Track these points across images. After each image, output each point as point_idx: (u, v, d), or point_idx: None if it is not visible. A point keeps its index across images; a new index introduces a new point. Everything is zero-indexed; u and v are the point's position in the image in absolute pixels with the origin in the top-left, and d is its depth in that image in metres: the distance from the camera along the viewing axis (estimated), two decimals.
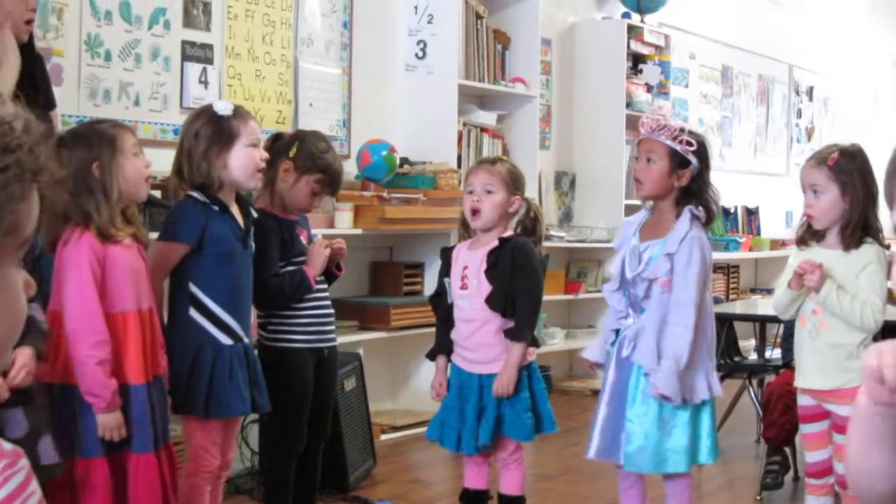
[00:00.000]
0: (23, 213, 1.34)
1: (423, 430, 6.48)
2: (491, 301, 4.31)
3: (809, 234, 4.37)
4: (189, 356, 4.04)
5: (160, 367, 3.89)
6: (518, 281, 4.33)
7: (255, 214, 4.31)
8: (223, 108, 4.15)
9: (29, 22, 4.35)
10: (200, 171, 4.09)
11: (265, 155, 4.23)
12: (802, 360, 4.38)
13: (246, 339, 4.17)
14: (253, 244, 4.26)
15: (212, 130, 4.11)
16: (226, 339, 4.09)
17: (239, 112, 4.18)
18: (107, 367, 3.66)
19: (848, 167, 4.22)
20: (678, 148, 4.16)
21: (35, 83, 4.36)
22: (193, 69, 5.90)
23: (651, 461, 4.15)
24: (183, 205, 4.12)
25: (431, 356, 4.56)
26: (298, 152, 4.52)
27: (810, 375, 4.33)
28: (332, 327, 4.65)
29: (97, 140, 3.76)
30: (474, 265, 4.36)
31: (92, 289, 3.65)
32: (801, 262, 4.18)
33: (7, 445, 1.30)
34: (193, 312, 4.08)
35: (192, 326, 4.07)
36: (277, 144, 4.58)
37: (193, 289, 4.08)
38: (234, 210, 4.18)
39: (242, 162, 4.11)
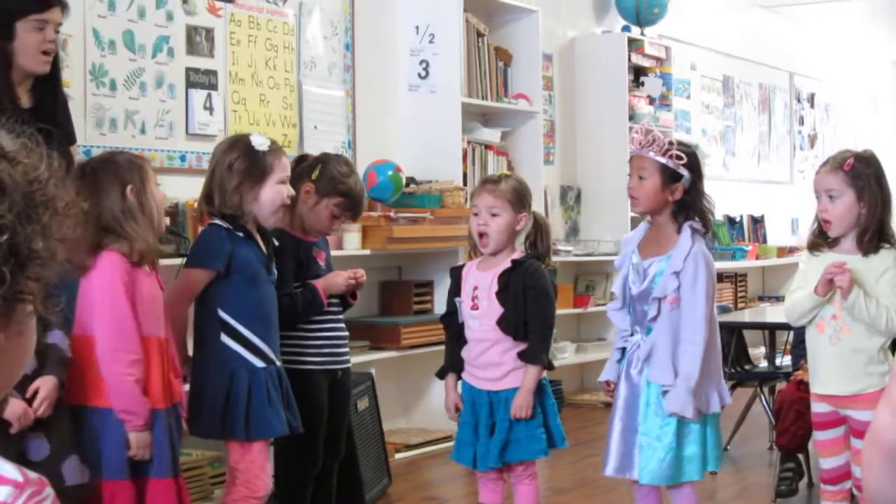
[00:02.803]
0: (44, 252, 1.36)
1: (436, 447, 6.54)
2: (502, 323, 4.32)
3: (822, 240, 4.36)
4: (224, 381, 4.08)
5: (177, 395, 3.92)
6: (530, 304, 4.34)
7: (276, 243, 4.36)
8: (260, 143, 4.19)
9: (46, 53, 4.37)
10: (231, 204, 4.13)
11: (292, 192, 4.27)
12: (820, 367, 4.35)
13: (277, 363, 4.21)
14: (276, 271, 4.30)
15: (247, 164, 4.15)
16: (259, 363, 4.13)
17: (273, 147, 4.23)
18: (142, 386, 3.69)
19: (864, 172, 4.22)
20: (668, 163, 4.16)
21: (56, 119, 4.39)
22: (198, 95, 5.94)
23: (668, 473, 4.15)
24: (209, 232, 4.17)
25: (441, 374, 4.58)
26: (320, 175, 4.56)
27: (830, 381, 4.31)
28: (346, 349, 4.69)
29: (126, 166, 3.81)
30: (485, 286, 4.37)
31: (127, 308, 3.69)
32: (829, 266, 4.17)
33: (32, 474, 1.32)
34: (225, 338, 4.12)
35: (224, 352, 4.11)
36: (301, 167, 4.63)
37: (223, 315, 4.12)
38: (257, 237, 4.24)
39: (272, 198, 4.16)
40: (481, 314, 4.37)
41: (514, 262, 4.36)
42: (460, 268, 4.56)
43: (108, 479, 3.69)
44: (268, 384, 4.13)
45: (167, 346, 3.87)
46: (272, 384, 4.14)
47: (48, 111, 4.39)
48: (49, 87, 4.48)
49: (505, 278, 4.34)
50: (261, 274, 4.20)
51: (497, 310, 4.33)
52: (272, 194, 4.17)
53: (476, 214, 4.41)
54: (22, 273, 1.33)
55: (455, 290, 4.50)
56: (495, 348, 4.36)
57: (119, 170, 3.78)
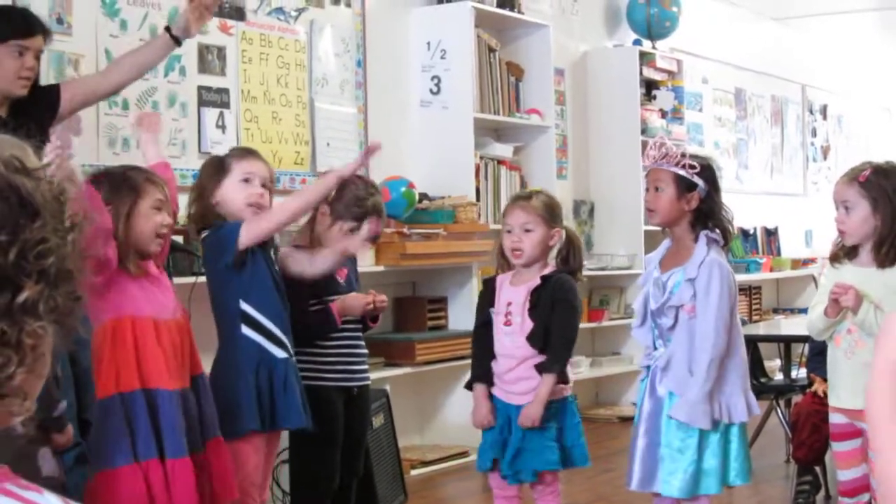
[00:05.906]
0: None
1: (452, 463, 6.52)
2: (531, 338, 4.32)
3: (843, 252, 4.34)
4: (246, 374, 4.10)
5: (198, 368, 3.92)
6: (556, 316, 4.34)
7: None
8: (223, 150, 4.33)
9: (25, 78, 4.28)
10: (208, 209, 4.20)
11: (259, 190, 4.26)
12: (837, 380, 4.33)
13: (293, 357, 4.25)
14: (274, 255, 4.34)
15: (208, 168, 4.33)
16: (280, 353, 4.16)
17: (239, 152, 4.36)
18: None
19: (880, 183, 4.19)
20: (683, 173, 4.18)
21: (29, 135, 4.28)
22: (210, 114, 5.95)
23: (685, 485, 4.14)
24: (216, 226, 4.22)
25: (469, 385, 4.54)
26: (337, 197, 4.55)
27: (845, 395, 4.29)
28: (364, 366, 4.68)
29: (122, 187, 3.83)
30: (518, 302, 4.38)
31: None
32: (833, 287, 4.15)
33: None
34: (246, 329, 4.13)
35: (245, 344, 4.14)
36: None
37: (244, 306, 4.15)
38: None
39: (233, 196, 4.22)
40: (514, 330, 4.37)
41: (543, 277, 4.36)
42: (493, 279, 4.54)
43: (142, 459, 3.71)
44: (287, 375, 4.16)
45: (176, 331, 3.86)
46: (293, 375, 4.19)
47: (23, 125, 4.31)
48: (29, 106, 4.38)
49: (536, 294, 4.35)
50: (268, 260, 4.27)
51: (529, 326, 4.34)
52: (234, 192, 4.23)
53: (509, 232, 4.41)
54: (58, 293, 1.33)
55: (489, 301, 4.48)
56: (524, 364, 4.36)
57: (115, 189, 3.82)
